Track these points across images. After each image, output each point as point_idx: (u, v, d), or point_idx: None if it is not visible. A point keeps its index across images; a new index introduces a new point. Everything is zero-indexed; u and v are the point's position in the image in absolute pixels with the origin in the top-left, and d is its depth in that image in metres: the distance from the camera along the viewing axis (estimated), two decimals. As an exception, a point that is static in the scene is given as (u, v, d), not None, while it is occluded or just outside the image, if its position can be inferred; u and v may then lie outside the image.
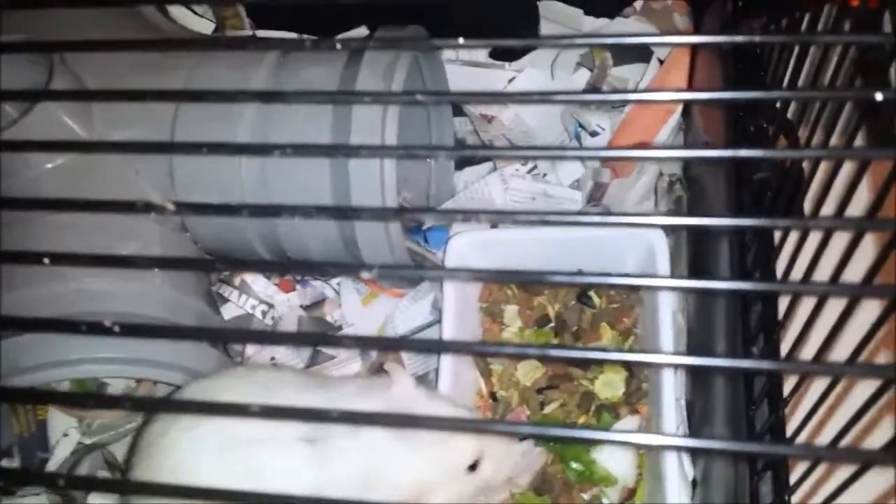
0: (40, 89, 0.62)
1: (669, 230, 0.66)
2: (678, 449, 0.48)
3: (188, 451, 0.49)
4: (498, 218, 0.55)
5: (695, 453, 0.55)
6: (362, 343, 0.46)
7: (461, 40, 0.27)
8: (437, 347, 0.61)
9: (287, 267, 0.55)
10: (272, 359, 0.66)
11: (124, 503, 0.55)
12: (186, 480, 0.46)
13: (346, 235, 0.62)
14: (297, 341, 0.63)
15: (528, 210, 0.65)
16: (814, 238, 0.42)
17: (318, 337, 0.60)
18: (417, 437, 0.50)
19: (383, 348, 0.54)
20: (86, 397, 0.42)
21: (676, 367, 0.54)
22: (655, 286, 0.59)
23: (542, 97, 0.27)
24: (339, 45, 0.48)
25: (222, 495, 0.27)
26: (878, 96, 0.23)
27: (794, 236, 0.48)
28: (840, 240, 0.38)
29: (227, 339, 0.57)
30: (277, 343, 0.59)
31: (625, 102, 0.76)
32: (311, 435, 0.49)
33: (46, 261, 0.26)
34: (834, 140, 0.44)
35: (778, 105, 0.53)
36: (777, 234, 0.53)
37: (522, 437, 0.62)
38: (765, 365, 0.40)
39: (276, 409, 0.27)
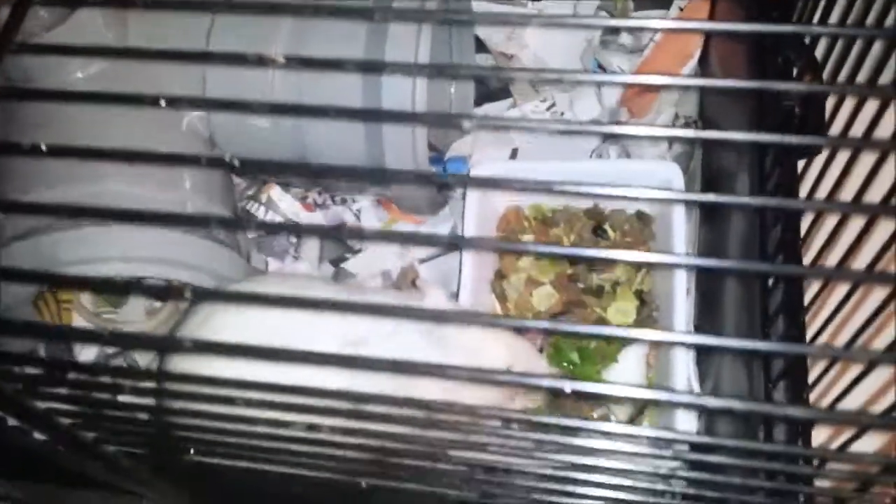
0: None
1: (685, 165, 0.68)
2: (688, 346, 0.50)
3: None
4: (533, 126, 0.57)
5: (705, 369, 0.58)
6: (382, 237, 0.47)
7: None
8: (458, 243, 0.62)
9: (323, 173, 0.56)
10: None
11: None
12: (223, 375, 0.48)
13: (373, 153, 0.63)
14: (318, 233, 0.65)
15: (557, 120, 0.67)
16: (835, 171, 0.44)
17: (338, 230, 0.62)
18: (451, 346, 0.52)
19: (404, 242, 0.56)
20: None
21: (688, 267, 0.57)
22: (668, 198, 0.61)
23: (573, 21, 0.29)
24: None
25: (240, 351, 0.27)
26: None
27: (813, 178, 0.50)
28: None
29: (251, 226, 0.58)
30: (301, 233, 0.61)
31: (644, 46, 0.78)
32: (349, 340, 0.51)
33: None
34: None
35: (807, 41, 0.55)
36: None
37: (549, 333, 0.64)
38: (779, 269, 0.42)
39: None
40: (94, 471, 0.37)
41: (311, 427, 0.31)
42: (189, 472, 0.39)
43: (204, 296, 0.26)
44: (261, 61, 0.27)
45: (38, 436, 0.33)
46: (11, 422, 0.32)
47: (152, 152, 0.27)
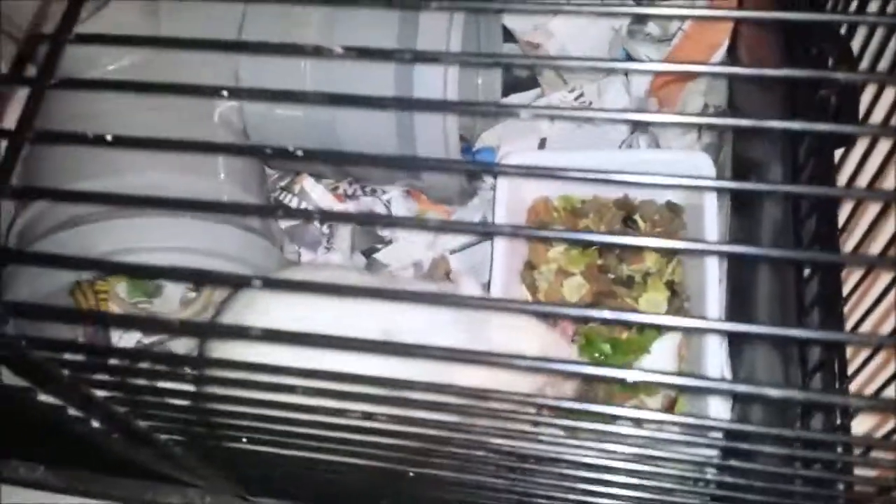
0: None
1: (714, 157, 0.68)
2: (721, 335, 0.51)
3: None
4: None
5: (737, 363, 0.58)
6: (414, 224, 0.47)
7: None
8: (488, 230, 0.63)
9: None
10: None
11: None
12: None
13: (404, 144, 0.64)
14: (349, 219, 0.66)
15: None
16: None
17: (370, 216, 0.63)
18: (487, 342, 0.53)
19: (436, 230, 0.56)
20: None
21: (721, 254, 0.57)
22: (702, 185, 0.61)
23: (603, 10, 0.29)
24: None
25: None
26: None
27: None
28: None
29: (287, 214, 0.59)
30: (334, 220, 0.62)
31: (672, 36, 0.78)
32: (386, 333, 0.51)
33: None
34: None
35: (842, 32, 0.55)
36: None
37: (583, 320, 0.64)
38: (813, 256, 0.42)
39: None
40: (145, 458, 0.38)
41: (366, 416, 0.31)
42: (236, 460, 0.39)
43: (271, 284, 0.27)
44: (317, 51, 0.27)
45: (95, 424, 0.34)
46: (71, 411, 0.33)
47: (216, 143, 0.28)
